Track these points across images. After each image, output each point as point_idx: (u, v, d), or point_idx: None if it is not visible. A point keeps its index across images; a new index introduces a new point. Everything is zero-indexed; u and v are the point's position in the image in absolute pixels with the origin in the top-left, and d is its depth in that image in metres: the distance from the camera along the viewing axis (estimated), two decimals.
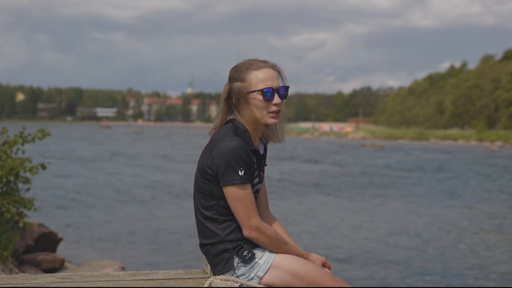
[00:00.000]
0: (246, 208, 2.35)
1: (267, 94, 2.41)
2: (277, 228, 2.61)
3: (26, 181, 6.13)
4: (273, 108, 2.44)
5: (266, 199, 2.66)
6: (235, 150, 2.32)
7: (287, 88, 2.49)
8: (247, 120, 2.45)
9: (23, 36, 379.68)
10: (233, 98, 2.47)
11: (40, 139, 6.38)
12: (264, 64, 2.47)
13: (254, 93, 2.42)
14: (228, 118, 2.48)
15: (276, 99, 2.44)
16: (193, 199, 2.52)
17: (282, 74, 2.50)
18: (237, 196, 2.34)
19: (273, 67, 2.48)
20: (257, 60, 2.49)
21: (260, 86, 2.42)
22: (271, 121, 2.45)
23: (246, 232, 2.37)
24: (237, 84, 2.45)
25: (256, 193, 2.50)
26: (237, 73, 2.47)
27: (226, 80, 2.54)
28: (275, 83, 2.44)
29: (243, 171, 2.33)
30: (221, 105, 2.53)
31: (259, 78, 2.42)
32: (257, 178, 2.49)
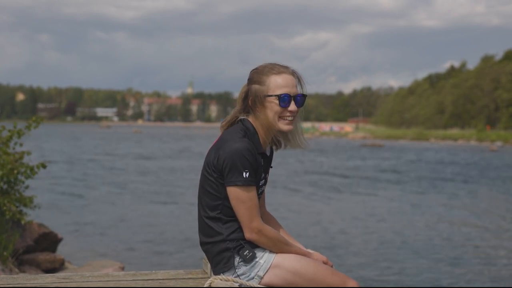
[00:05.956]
0: (249, 210, 2.35)
1: (284, 100, 2.40)
2: (275, 227, 2.61)
3: (28, 176, 6.11)
4: (288, 115, 2.43)
5: (264, 198, 2.67)
6: (241, 152, 2.31)
7: (304, 96, 2.47)
8: (261, 123, 2.44)
9: (25, 36, 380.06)
10: (250, 100, 2.46)
11: (35, 128, 6.40)
12: (284, 69, 2.45)
13: (271, 97, 2.40)
14: (240, 117, 2.48)
15: (292, 106, 2.42)
16: (198, 197, 2.51)
17: (301, 82, 2.49)
18: (240, 197, 2.34)
19: (293, 73, 2.47)
20: (278, 64, 2.47)
21: (278, 92, 2.40)
22: (285, 127, 2.44)
23: (247, 234, 2.37)
24: (255, 87, 2.44)
25: (260, 194, 2.51)
26: (257, 75, 2.45)
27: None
28: (293, 90, 2.43)
29: (247, 173, 2.32)
30: (238, 104, 2.51)
31: (278, 83, 2.41)
32: (263, 180, 2.49)
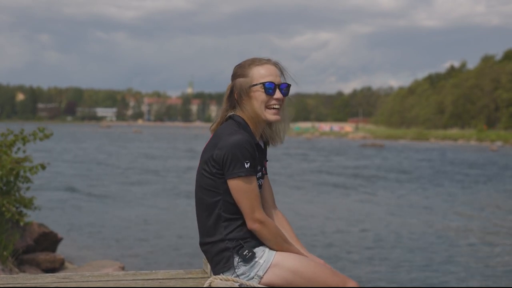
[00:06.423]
0: (251, 200, 2.35)
1: (269, 88, 2.43)
2: (284, 226, 2.61)
3: (27, 180, 6.11)
4: (274, 103, 2.45)
5: (272, 196, 2.66)
6: (241, 143, 2.33)
7: (289, 85, 2.51)
8: (248, 116, 2.46)
9: (25, 36, 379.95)
10: (235, 94, 2.48)
11: (41, 139, 6.36)
12: (266, 61, 2.49)
13: (256, 86, 2.43)
14: (229, 114, 2.49)
15: (278, 94, 2.45)
16: (195, 197, 2.51)
17: (284, 72, 2.52)
18: (242, 188, 2.35)
19: (276, 64, 2.51)
20: (260, 57, 2.51)
21: (262, 81, 2.43)
22: (272, 117, 2.46)
23: (250, 225, 2.37)
24: (240, 80, 2.47)
25: (259, 187, 2.50)
26: (240, 69, 2.49)
27: (229, 80, 2.55)
28: (277, 79, 2.46)
29: (249, 164, 2.34)
30: (224, 103, 2.54)
31: (261, 74, 2.44)
32: (260, 173, 2.49)
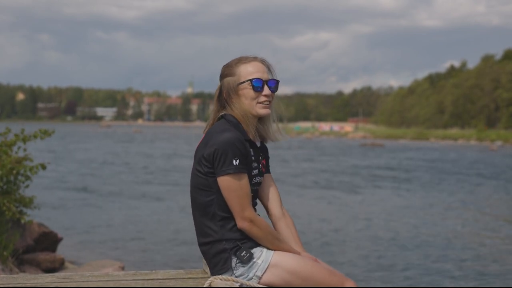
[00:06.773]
0: (240, 199, 2.34)
1: (257, 85, 2.43)
2: (290, 227, 2.58)
3: (26, 178, 6.12)
4: (263, 99, 2.45)
5: (278, 196, 2.62)
6: (230, 140, 2.33)
7: (277, 82, 2.51)
8: (238, 114, 2.46)
9: (25, 36, 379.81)
10: (224, 93, 2.49)
11: (42, 138, 6.38)
12: (253, 58, 2.50)
13: (244, 84, 2.44)
14: (220, 114, 2.50)
15: (266, 90, 2.46)
16: (190, 197, 2.51)
17: (271, 69, 2.53)
18: (231, 186, 2.34)
19: (263, 61, 2.51)
20: (246, 55, 2.52)
21: (250, 78, 2.44)
22: (262, 111, 2.46)
23: (239, 223, 2.36)
24: (228, 79, 2.48)
25: (256, 186, 2.49)
26: (227, 68, 2.50)
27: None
28: (264, 76, 2.47)
29: (238, 161, 2.33)
30: (214, 104, 2.55)
31: (249, 71, 2.45)
32: (256, 170, 2.48)
